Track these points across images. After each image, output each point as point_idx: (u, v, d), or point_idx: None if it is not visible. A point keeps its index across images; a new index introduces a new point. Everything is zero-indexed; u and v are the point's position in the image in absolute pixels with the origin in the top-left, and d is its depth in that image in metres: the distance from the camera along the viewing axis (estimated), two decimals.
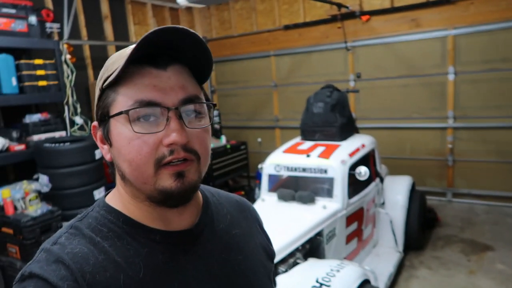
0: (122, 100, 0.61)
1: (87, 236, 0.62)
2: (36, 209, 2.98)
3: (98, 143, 0.67)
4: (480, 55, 4.47)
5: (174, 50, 0.62)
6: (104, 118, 0.64)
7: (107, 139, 0.64)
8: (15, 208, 3.03)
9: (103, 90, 0.64)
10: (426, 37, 4.74)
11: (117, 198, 0.68)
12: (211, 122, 0.67)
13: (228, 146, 4.88)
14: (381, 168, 3.69)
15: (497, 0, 4.27)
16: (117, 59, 0.64)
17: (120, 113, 0.60)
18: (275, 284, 0.89)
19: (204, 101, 0.66)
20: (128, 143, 0.60)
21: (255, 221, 0.85)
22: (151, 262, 0.62)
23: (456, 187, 4.88)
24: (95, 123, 0.67)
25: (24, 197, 3.05)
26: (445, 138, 4.83)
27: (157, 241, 0.65)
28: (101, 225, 0.64)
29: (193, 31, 0.59)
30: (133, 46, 0.60)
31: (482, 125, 4.59)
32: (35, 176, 3.40)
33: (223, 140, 5.15)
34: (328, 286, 1.98)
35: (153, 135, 0.59)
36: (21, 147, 3.49)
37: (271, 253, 0.85)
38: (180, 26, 0.58)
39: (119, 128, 0.61)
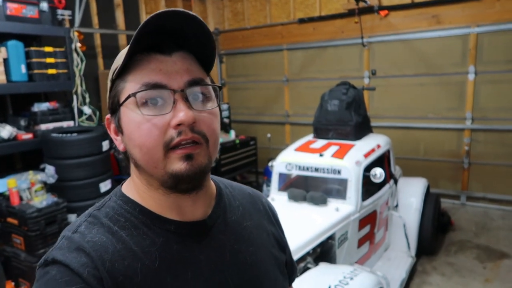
0: (129, 86, 0.63)
1: (106, 225, 0.64)
2: (41, 200, 2.93)
3: (112, 135, 0.69)
4: (503, 55, 4.29)
5: (178, 38, 0.63)
6: (116, 108, 0.65)
7: (118, 128, 0.66)
8: (21, 198, 2.99)
9: (113, 81, 0.66)
10: (447, 35, 4.57)
11: (132, 188, 0.69)
12: (218, 104, 0.68)
13: (237, 141, 4.78)
14: (395, 170, 3.56)
15: None
16: (125, 52, 0.65)
17: (128, 97, 0.62)
18: (293, 270, 0.90)
19: (209, 83, 0.66)
20: (138, 127, 0.61)
21: (268, 213, 0.86)
22: (166, 252, 0.64)
23: (471, 190, 4.73)
24: (108, 116, 0.69)
25: (30, 188, 3.01)
26: (462, 139, 4.67)
27: (172, 231, 0.66)
28: (118, 214, 0.66)
29: (193, 13, 0.59)
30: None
31: (502, 128, 4.42)
32: (41, 166, 3.35)
33: (232, 134, 5.06)
34: None
35: (162, 117, 0.60)
36: (29, 136, 3.44)
37: (284, 245, 0.85)
38: (180, 9, 0.59)
39: (128, 114, 0.63)
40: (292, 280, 0.91)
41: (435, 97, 4.77)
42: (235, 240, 0.73)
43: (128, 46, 0.63)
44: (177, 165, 0.61)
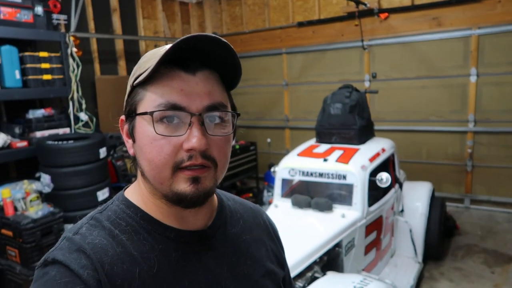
0: (149, 100, 0.62)
1: (107, 228, 0.64)
2: (37, 210, 2.83)
3: (124, 137, 0.69)
4: (505, 57, 4.25)
5: (204, 55, 0.63)
6: (131, 115, 0.65)
7: (131, 135, 0.66)
8: (15, 208, 2.89)
9: (133, 87, 0.66)
10: (448, 37, 4.52)
11: (137, 193, 0.70)
12: (234, 130, 0.68)
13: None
14: (400, 174, 3.49)
15: None
16: (150, 58, 0.65)
17: (145, 113, 0.62)
18: None
19: (229, 110, 0.67)
20: (150, 142, 0.62)
21: (268, 229, 0.86)
22: (164, 259, 0.64)
23: (475, 194, 4.67)
24: (122, 117, 0.69)
25: (24, 197, 2.91)
26: (465, 142, 4.61)
27: (171, 239, 0.66)
28: (120, 218, 0.66)
29: (225, 40, 0.60)
30: (166, 46, 0.61)
31: (505, 130, 4.37)
32: (37, 175, 3.25)
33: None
34: None
35: (175, 138, 0.61)
36: (23, 143, 3.35)
37: (282, 261, 0.85)
38: (213, 35, 0.59)
39: (143, 126, 0.63)
40: None
41: (437, 100, 4.72)
42: (234, 252, 0.73)
43: (153, 53, 0.65)
44: (183, 186, 0.61)
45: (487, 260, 3.46)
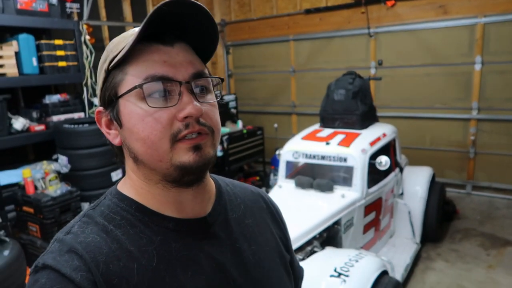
0: (131, 78, 0.60)
1: (100, 224, 0.62)
2: (55, 189, 3.03)
3: (104, 129, 0.66)
4: (510, 45, 4.28)
5: (178, 29, 0.62)
6: (111, 100, 0.63)
7: (117, 120, 0.63)
8: (36, 187, 3.08)
9: (108, 72, 0.63)
10: (454, 25, 4.56)
11: (128, 185, 0.67)
12: (221, 97, 0.67)
13: (245, 131, 4.84)
14: (401, 158, 3.61)
15: None
16: (120, 41, 0.64)
17: (134, 88, 0.59)
18: (297, 272, 0.87)
19: (213, 76, 0.66)
20: (142, 120, 0.59)
21: (271, 211, 0.84)
22: (164, 251, 0.62)
23: (477, 180, 4.76)
24: (99, 108, 0.66)
25: (44, 177, 3.10)
26: (468, 129, 4.69)
27: (171, 229, 0.64)
28: (114, 213, 0.63)
29: (199, 3, 0.59)
30: (136, 28, 0.61)
31: (508, 118, 4.43)
32: (54, 157, 3.44)
33: (240, 125, 5.12)
34: (347, 276, 1.96)
35: (167, 109, 0.59)
36: (41, 127, 3.53)
37: (287, 243, 0.83)
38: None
39: (129, 107, 0.60)
40: (298, 285, 0.87)
41: (441, 87, 4.78)
42: (237, 238, 0.71)
43: (123, 36, 0.64)
44: (185, 156, 0.60)
45: (484, 243, 3.59)
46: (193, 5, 0.58)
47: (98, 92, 0.67)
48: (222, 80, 0.68)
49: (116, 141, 0.65)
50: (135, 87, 0.59)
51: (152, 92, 0.59)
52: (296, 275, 0.85)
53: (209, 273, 0.64)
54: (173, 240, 0.63)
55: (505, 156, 4.52)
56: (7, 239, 2.47)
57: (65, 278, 0.54)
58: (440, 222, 3.67)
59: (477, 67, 4.49)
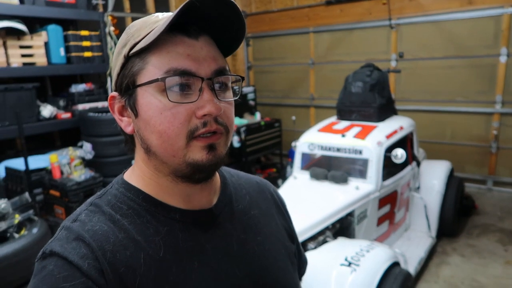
0: (152, 68, 0.58)
1: (107, 213, 0.62)
2: (80, 174, 3.18)
3: (116, 115, 0.65)
4: None
5: (203, 21, 0.61)
6: (129, 88, 0.61)
7: (133, 109, 0.61)
8: (62, 172, 3.24)
9: (128, 58, 0.61)
10: (479, 16, 4.44)
11: (136, 175, 0.67)
12: (239, 95, 0.66)
13: (263, 123, 4.89)
14: (419, 152, 3.58)
15: None
16: (142, 26, 0.62)
17: (155, 80, 0.58)
18: (303, 262, 0.89)
19: (235, 74, 0.65)
20: (160, 113, 0.58)
21: (276, 202, 0.84)
22: (170, 241, 0.62)
23: (498, 175, 4.66)
24: (114, 93, 0.64)
25: (69, 163, 3.25)
26: (490, 123, 4.58)
27: (177, 220, 0.64)
28: (121, 202, 0.63)
29: (233, 1, 0.58)
30: (158, 14, 0.62)
31: None
32: (79, 144, 3.60)
33: (258, 116, 5.17)
34: (357, 265, 2.00)
35: (186, 105, 0.58)
36: (67, 115, 3.69)
37: (292, 234, 0.84)
38: None
39: (148, 98, 0.59)
40: (301, 274, 0.88)
41: (464, 80, 4.68)
42: (242, 229, 0.71)
43: (144, 20, 0.62)
44: (199, 154, 0.59)
45: (502, 239, 3.54)
46: (223, 0, 0.57)
47: (114, 76, 0.65)
48: (243, 78, 0.67)
49: (128, 129, 0.64)
50: (157, 79, 0.57)
51: (173, 85, 0.58)
52: (299, 265, 0.86)
53: (215, 264, 0.65)
54: (180, 230, 0.63)
55: None
56: (36, 218, 2.63)
57: (72, 265, 0.54)
58: (458, 217, 3.63)
59: (503, 59, 4.37)
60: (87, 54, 3.87)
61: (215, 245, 0.66)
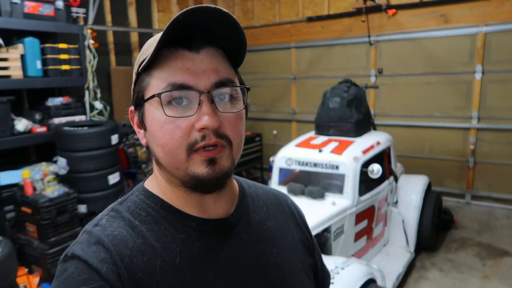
0: (155, 83, 0.61)
1: (126, 219, 0.63)
2: (53, 190, 3.09)
3: (135, 127, 0.68)
4: (511, 55, 4.27)
5: (207, 32, 0.61)
6: (140, 102, 0.64)
7: (142, 123, 0.64)
8: (34, 188, 3.15)
9: (138, 74, 0.64)
10: (455, 34, 4.57)
11: (154, 183, 0.69)
12: (245, 106, 0.66)
13: None
14: (396, 167, 3.61)
15: None
16: (152, 43, 0.63)
17: (152, 96, 0.60)
18: (326, 275, 0.87)
19: (237, 85, 0.64)
20: (161, 127, 0.60)
21: (294, 215, 0.83)
22: (186, 249, 0.63)
23: (476, 190, 4.73)
24: (131, 108, 0.68)
25: (43, 178, 3.16)
26: (468, 138, 4.67)
27: (193, 228, 0.65)
28: (140, 209, 0.65)
29: (225, 10, 0.57)
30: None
31: (508, 127, 4.41)
32: (54, 158, 3.52)
33: None
34: (332, 283, 1.97)
35: (186, 119, 0.59)
36: (43, 129, 3.61)
37: (310, 248, 0.82)
38: (213, 6, 0.56)
39: (152, 112, 0.61)
40: None
41: (442, 96, 4.78)
42: (259, 240, 0.71)
43: (155, 38, 0.62)
44: (199, 168, 0.60)
45: (480, 253, 3.56)
46: (213, 11, 0.57)
47: (131, 91, 0.69)
48: (248, 89, 0.66)
49: (143, 142, 0.67)
50: (153, 96, 0.60)
51: (170, 100, 0.59)
52: (320, 280, 0.85)
53: (230, 274, 0.65)
54: (196, 239, 0.64)
55: (505, 165, 4.49)
56: (0, 237, 2.53)
57: (91, 268, 0.56)
58: (436, 231, 3.66)
59: (478, 76, 4.49)
60: (65, 67, 3.81)
61: (230, 255, 0.66)
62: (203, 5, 0.56)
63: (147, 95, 0.61)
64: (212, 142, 0.59)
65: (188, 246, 0.63)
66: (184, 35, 0.61)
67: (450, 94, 4.73)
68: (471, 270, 3.30)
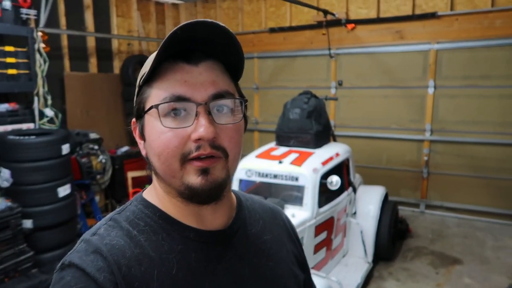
0: (155, 95, 0.62)
1: (125, 228, 0.64)
2: None
3: (137, 138, 0.69)
4: (460, 71, 4.52)
5: (207, 46, 0.62)
6: (141, 114, 0.65)
7: (142, 134, 0.66)
8: None
9: (140, 87, 0.66)
10: (409, 50, 4.77)
11: (153, 194, 0.69)
12: (243, 118, 0.66)
13: None
14: (355, 178, 3.67)
15: (481, 18, 4.32)
16: (153, 56, 0.64)
17: (151, 107, 0.62)
18: None
19: (235, 97, 0.65)
20: (158, 137, 0.61)
21: (288, 229, 0.85)
22: (184, 260, 0.63)
23: (429, 199, 4.92)
24: (134, 119, 0.69)
25: None
26: (422, 150, 4.86)
27: (191, 239, 0.65)
28: (138, 218, 0.66)
29: (223, 24, 0.59)
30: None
31: (458, 140, 4.64)
32: None
33: None
34: None
35: (183, 129, 0.60)
36: None
37: (303, 262, 0.84)
38: (211, 20, 0.58)
39: (152, 122, 0.62)
40: None
41: (398, 109, 4.96)
42: (255, 253, 0.72)
43: (156, 52, 0.62)
44: (192, 178, 0.61)
45: (433, 262, 3.68)
46: (208, 25, 0.58)
47: (134, 104, 0.70)
48: (246, 100, 0.67)
49: (143, 153, 0.68)
50: (151, 107, 0.61)
51: (168, 111, 0.61)
52: None
53: (226, 286, 0.65)
54: (193, 250, 0.64)
55: (456, 176, 4.71)
56: None
57: (89, 277, 0.56)
58: (393, 240, 3.74)
59: (430, 90, 4.70)
60: (12, 71, 3.57)
61: (226, 267, 0.66)
62: (202, 20, 0.58)
63: (147, 107, 0.63)
64: (207, 152, 0.60)
65: (185, 257, 0.63)
66: (185, 49, 0.62)
67: (405, 107, 4.91)
68: (425, 279, 3.39)
